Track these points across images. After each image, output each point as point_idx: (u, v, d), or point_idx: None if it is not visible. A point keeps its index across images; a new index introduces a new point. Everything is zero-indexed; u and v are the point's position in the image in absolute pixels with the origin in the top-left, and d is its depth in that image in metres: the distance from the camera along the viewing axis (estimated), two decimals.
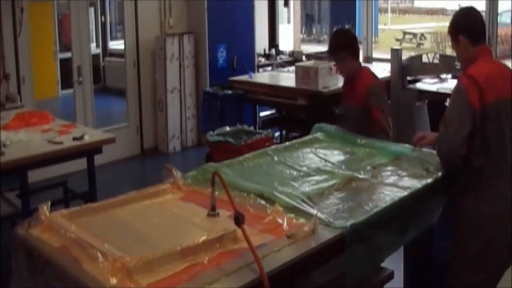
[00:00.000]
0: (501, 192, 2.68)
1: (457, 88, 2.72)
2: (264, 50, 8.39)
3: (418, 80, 6.31)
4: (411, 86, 6.07)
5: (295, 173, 2.82)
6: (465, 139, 2.61)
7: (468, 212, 2.73)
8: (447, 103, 6.08)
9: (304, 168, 2.87)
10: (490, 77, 2.69)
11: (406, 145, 3.13)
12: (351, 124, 3.46)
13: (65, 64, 7.84)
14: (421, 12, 18.36)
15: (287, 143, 3.40)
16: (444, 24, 14.20)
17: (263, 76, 7.28)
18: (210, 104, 6.55)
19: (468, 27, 2.78)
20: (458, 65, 6.25)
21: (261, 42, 8.28)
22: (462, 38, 2.75)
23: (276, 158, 3.03)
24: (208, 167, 2.74)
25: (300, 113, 6.40)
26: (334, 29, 3.83)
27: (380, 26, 15.16)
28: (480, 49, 2.76)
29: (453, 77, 6.26)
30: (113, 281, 1.77)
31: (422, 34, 16.10)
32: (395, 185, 2.62)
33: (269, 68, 8.11)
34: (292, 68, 6.70)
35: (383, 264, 2.81)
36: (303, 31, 13.84)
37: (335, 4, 17.24)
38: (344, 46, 3.55)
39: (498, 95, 2.66)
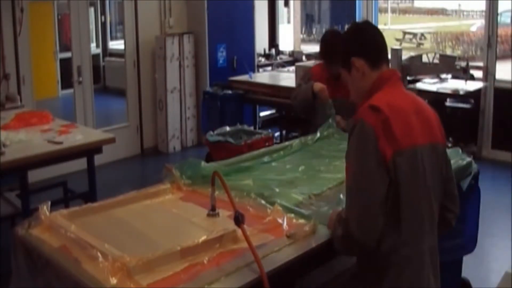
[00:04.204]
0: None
1: (359, 129, 1.91)
2: (264, 50, 8.39)
3: (418, 80, 6.32)
4: (411, 86, 6.08)
5: (294, 173, 2.82)
6: (382, 205, 1.87)
7: None
8: (447, 103, 6.10)
9: (304, 168, 2.87)
10: (402, 112, 1.96)
11: None
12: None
13: (65, 64, 7.82)
14: (421, 12, 18.30)
15: (286, 142, 3.40)
16: (444, 24, 14.19)
17: (263, 76, 7.27)
18: (210, 104, 6.55)
19: (362, 46, 2.06)
20: (458, 65, 6.26)
21: (261, 42, 8.29)
22: (355, 60, 2.04)
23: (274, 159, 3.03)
24: (204, 168, 2.71)
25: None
26: None
27: (380, 26, 15.03)
28: (383, 74, 2.04)
29: (453, 77, 6.26)
30: (113, 281, 1.77)
31: (422, 34, 16.07)
32: None
33: (269, 68, 8.11)
34: (292, 68, 6.69)
35: None
36: (303, 31, 13.81)
37: (335, 4, 17.19)
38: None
39: (413, 141, 1.93)
